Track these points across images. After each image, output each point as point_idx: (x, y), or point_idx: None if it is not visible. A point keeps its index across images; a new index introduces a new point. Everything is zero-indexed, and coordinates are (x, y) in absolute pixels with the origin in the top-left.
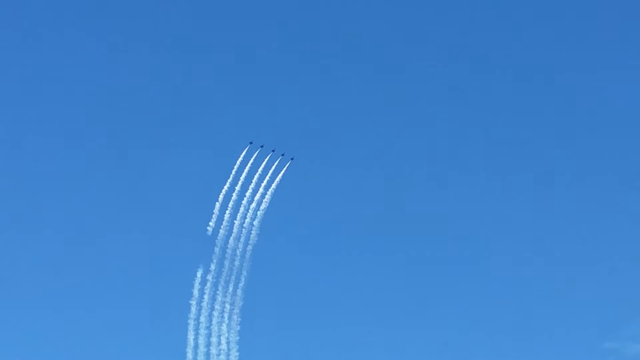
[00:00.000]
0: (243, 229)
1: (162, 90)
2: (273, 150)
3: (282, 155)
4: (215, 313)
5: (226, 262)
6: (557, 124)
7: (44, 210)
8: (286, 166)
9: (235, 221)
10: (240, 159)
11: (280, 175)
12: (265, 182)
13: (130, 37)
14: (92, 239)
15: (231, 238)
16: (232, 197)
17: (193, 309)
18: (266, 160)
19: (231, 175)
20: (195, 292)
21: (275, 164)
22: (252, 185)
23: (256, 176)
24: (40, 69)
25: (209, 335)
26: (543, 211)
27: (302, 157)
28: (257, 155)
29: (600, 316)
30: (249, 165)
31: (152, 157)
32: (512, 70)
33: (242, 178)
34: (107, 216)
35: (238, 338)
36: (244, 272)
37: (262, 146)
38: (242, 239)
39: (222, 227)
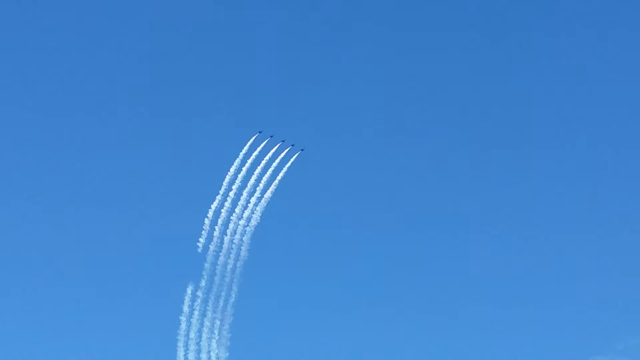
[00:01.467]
0: (233, 245)
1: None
2: (283, 141)
3: (292, 145)
4: (205, 329)
5: (216, 278)
6: None
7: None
8: (292, 159)
9: (226, 237)
10: (245, 149)
11: (279, 175)
12: (264, 181)
13: (135, 24)
14: (82, 253)
15: (221, 253)
16: (226, 206)
17: (183, 325)
18: (273, 151)
19: (233, 167)
20: (185, 308)
21: (280, 156)
22: (246, 192)
23: (258, 170)
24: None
25: (198, 352)
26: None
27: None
28: (264, 146)
29: (590, 330)
30: (252, 157)
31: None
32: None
33: (244, 170)
34: (100, 228)
35: (228, 354)
36: (234, 288)
37: (271, 136)
38: (232, 255)
39: (212, 243)
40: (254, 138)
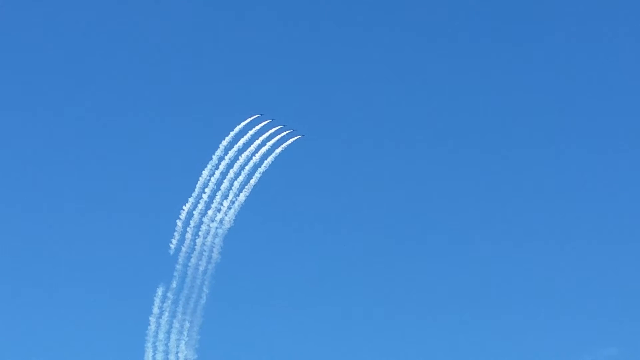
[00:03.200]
0: (205, 247)
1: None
2: (284, 125)
3: (292, 130)
4: (174, 330)
5: (187, 280)
6: None
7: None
8: (284, 144)
9: (198, 238)
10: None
11: (269, 159)
12: (246, 171)
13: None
14: (52, 252)
15: (193, 255)
16: (200, 206)
17: (152, 325)
18: (267, 134)
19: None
20: (155, 310)
21: (272, 140)
22: (223, 189)
23: (242, 158)
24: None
25: (167, 352)
26: None
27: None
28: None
29: (557, 341)
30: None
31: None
32: None
33: (226, 159)
34: (75, 224)
35: (196, 356)
36: (205, 290)
37: (272, 119)
38: (204, 256)
39: (184, 244)
40: (249, 120)
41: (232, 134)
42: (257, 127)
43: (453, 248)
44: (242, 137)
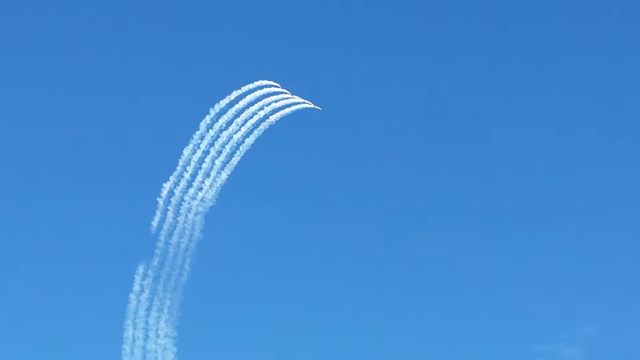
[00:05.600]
0: (186, 225)
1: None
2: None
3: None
4: (154, 307)
5: (169, 258)
6: None
7: None
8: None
9: (179, 217)
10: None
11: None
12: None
13: None
14: (33, 229)
15: (175, 233)
16: (182, 182)
17: (132, 302)
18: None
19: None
20: (136, 287)
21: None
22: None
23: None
24: None
25: (146, 330)
26: None
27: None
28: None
29: (533, 318)
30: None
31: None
32: None
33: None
34: (55, 201)
35: (176, 333)
36: (186, 267)
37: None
38: (186, 234)
39: (165, 222)
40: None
41: (212, 113)
42: (241, 103)
43: (439, 230)
44: (224, 114)
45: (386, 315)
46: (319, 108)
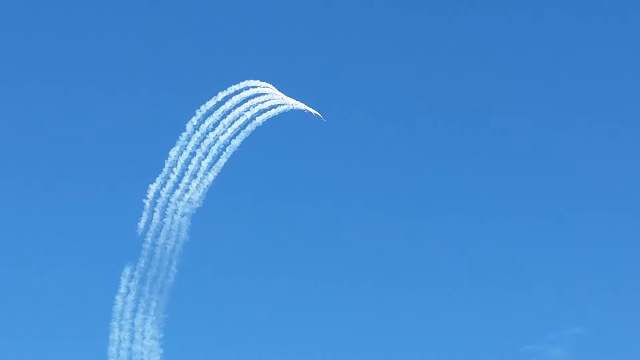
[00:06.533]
0: (173, 226)
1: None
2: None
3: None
4: (141, 309)
5: (155, 259)
6: None
7: None
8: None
9: (166, 218)
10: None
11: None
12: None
13: None
14: (22, 229)
15: (161, 235)
16: (169, 183)
17: (118, 304)
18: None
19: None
20: (122, 288)
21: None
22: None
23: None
24: None
25: (132, 331)
26: None
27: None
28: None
29: (521, 318)
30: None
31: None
32: None
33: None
34: (42, 202)
35: (162, 335)
36: (173, 269)
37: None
38: (172, 236)
39: (152, 223)
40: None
41: (199, 114)
42: (228, 104)
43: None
44: (211, 115)
45: (370, 315)
46: (320, 115)
